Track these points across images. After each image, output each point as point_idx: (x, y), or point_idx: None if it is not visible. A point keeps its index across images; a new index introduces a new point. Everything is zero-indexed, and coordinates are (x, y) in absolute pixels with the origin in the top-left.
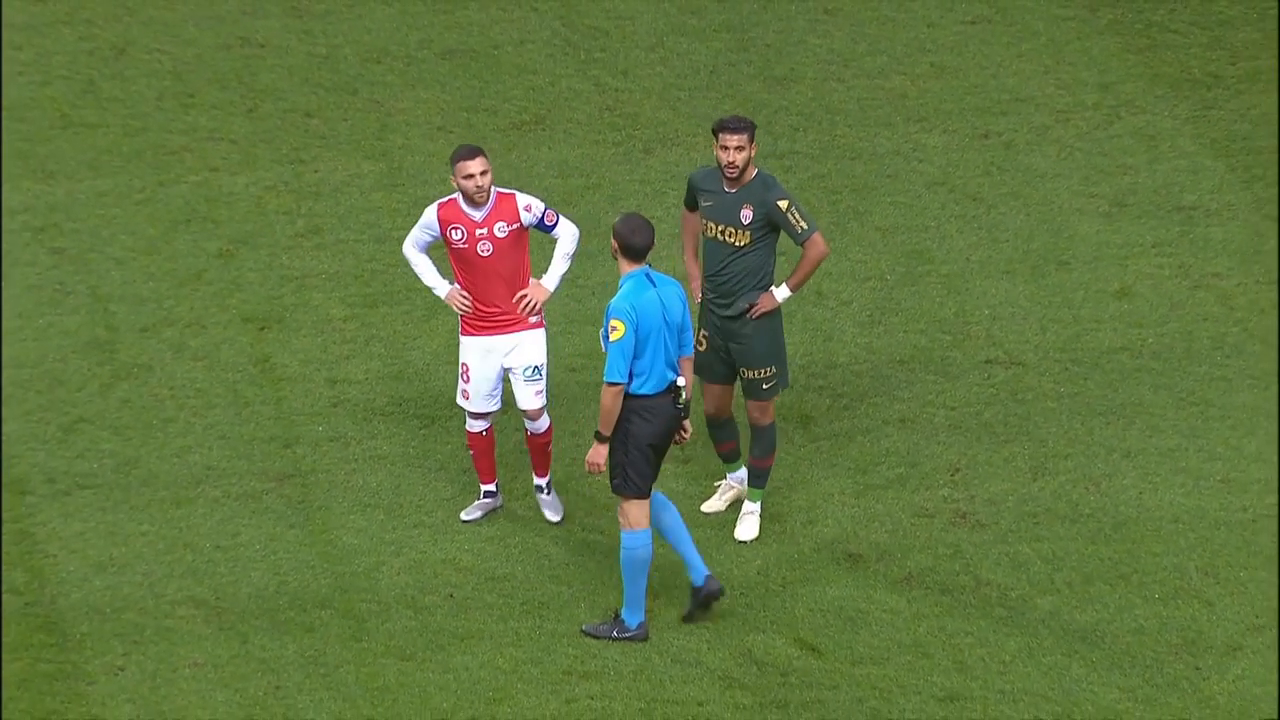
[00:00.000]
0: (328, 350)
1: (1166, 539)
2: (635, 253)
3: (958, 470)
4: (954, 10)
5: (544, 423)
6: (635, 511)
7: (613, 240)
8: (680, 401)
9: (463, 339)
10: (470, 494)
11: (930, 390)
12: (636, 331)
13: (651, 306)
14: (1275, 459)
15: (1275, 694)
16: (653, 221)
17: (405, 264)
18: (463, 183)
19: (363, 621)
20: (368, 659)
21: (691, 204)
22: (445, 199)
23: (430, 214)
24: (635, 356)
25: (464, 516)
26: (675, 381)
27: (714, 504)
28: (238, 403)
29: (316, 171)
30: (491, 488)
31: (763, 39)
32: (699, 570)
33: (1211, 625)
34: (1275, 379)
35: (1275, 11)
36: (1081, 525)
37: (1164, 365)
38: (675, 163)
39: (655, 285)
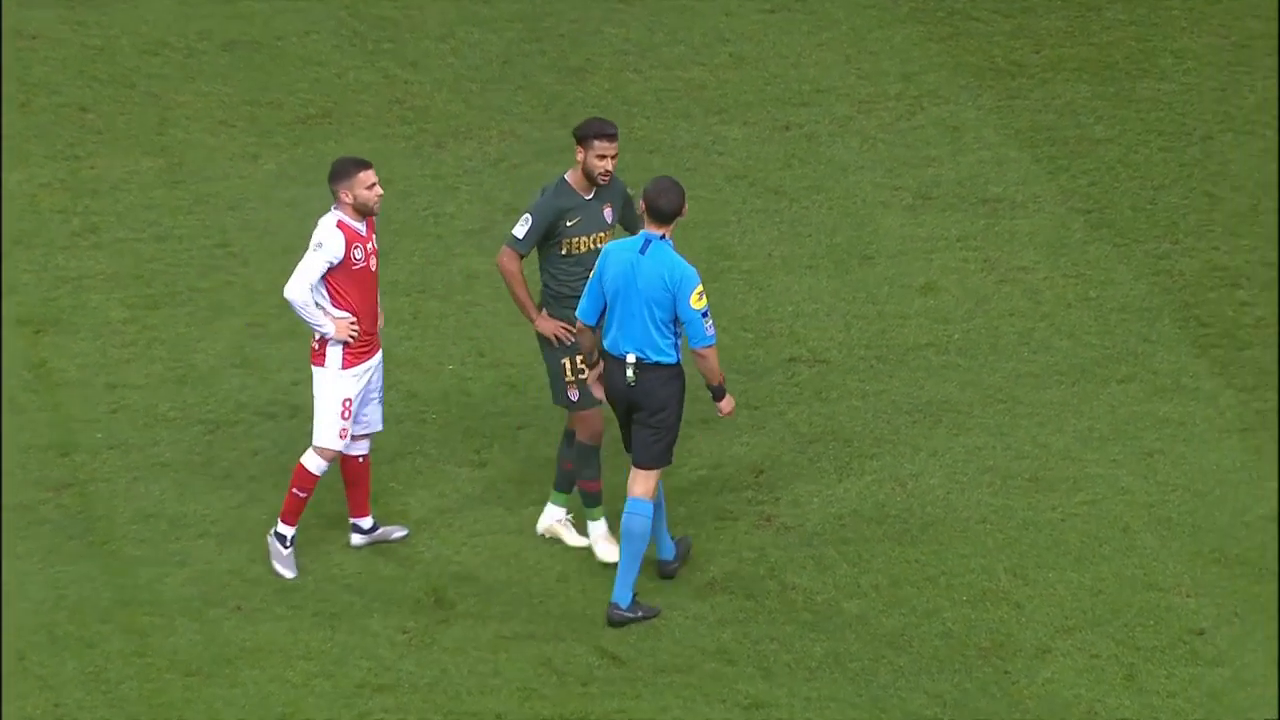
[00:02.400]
0: (107, 354)
1: (974, 540)
2: (661, 215)
3: (761, 472)
4: None
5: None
6: (655, 481)
7: (640, 202)
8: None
9: (343, 373)
10: (263, 511)
11: (732, 390)
12: (601, 280)
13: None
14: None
15: (1087, 696)
16: (447, 218)
17: (188, 263)
18: (364, 194)
19: (145, 636)
20: (151, 674)
21: (540, 240)
22: (333, 219)
23: (333, 239)
24: (609, 308)
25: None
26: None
27: (575, 538)
28: (12, 409)
29: (93, 168)
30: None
31: (557, 29)
32: (668, 545)
33: (1020, 628)
34: (1082, 373)
35: (1072, 1)
36: (888, 526)
37: (970, 362)
38: (468, 157)
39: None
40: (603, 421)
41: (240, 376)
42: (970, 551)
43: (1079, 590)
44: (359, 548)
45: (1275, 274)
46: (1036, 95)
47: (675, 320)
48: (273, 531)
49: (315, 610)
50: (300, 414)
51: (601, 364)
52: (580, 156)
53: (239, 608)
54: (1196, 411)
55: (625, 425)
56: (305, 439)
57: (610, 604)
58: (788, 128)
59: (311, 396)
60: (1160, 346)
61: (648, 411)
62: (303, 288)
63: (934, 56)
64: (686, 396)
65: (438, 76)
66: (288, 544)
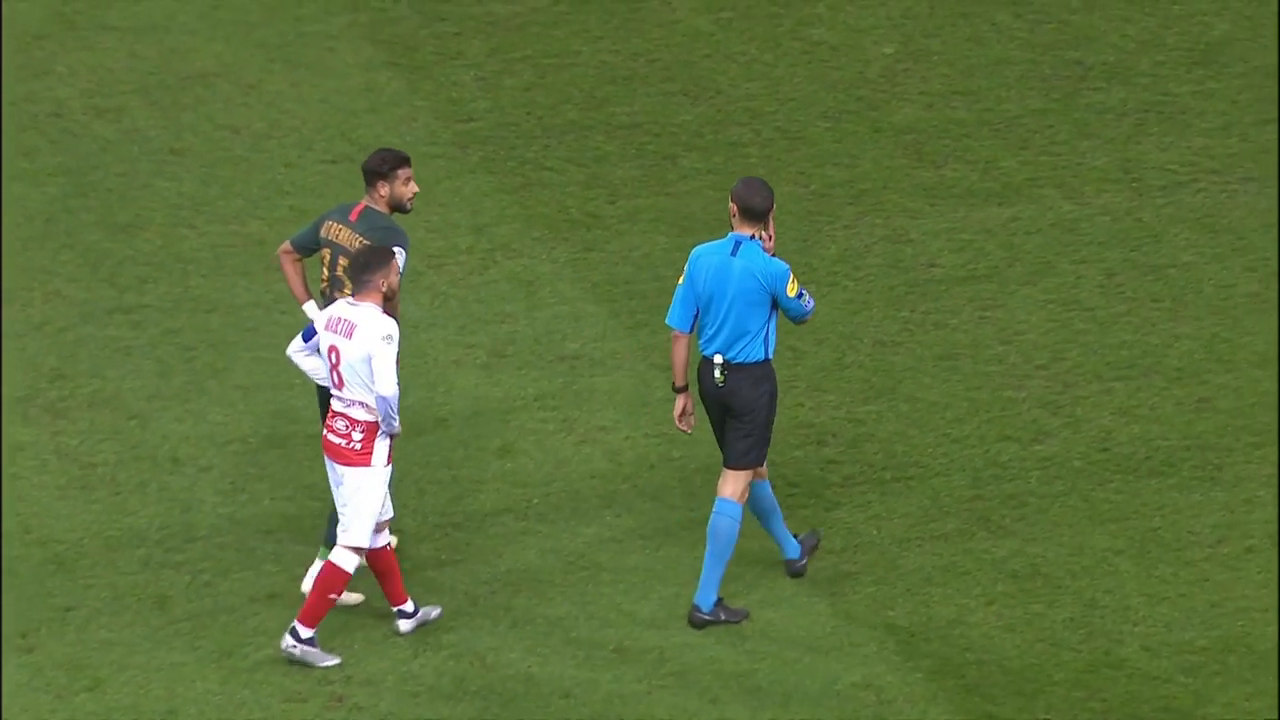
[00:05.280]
0: None
1: (558, 714)
2: (754, 215)
3: (332, 650)
4: (313, 149)
5: None
6: (745, 483)
7: (731, 204)
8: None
9: (387, 468)
10: None
11: (300, 562)
12: (693, 285)
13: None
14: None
15: None
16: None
17: None
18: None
19: None
20: None
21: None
22: (375, 308)
23: (396, 328)
24: (701, 311)
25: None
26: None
27: None
28: None
29: None
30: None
31: (104, 183)
32: (791, 544)
33: None
34: (667, 537)
35: (649, 150)
36: (467, 704)
37: (550, 527)
38: (11, 320)
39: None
40: None
41: None
42: None
43: None
44: (409, 633)
45: (859, 430)
46: (613, 247)
47: (766, 317)
48: (295, 641)
49: None
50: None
51: (686, 395)
52: (384, 191)
53: None
54: (784, 577)
55: (719, 426)
56: None
57: (693, 606)
58: None
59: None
60: (747, 510)
61: (738, 412)
62: (395, 380)
63: (506, 208)
64: (246, 572)
65: None
66: (314, 642)
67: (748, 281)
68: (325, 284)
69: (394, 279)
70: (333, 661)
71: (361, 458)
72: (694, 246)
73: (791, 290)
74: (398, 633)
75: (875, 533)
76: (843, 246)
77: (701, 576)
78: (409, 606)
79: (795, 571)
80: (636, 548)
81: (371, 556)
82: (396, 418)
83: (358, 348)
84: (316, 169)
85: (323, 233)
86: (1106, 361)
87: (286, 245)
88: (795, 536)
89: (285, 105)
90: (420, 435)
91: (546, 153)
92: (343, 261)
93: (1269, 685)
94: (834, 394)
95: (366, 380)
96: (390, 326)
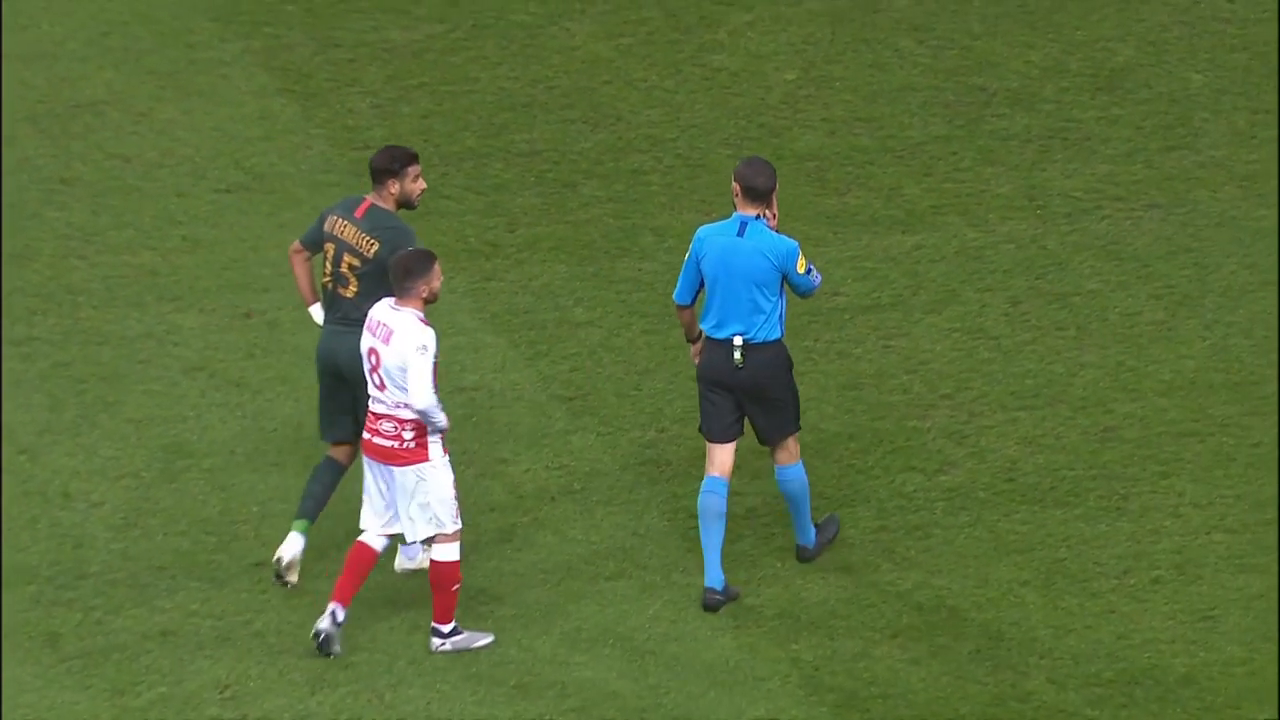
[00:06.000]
0: None
1: None
2: (757, 195)
3: (227, 687)
4: (206, 178)
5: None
6: (797, 445)
7: (734, 184)
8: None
9: (445, 457)
10: None
11: (195, 599)
12: (698, 264)
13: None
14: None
15: None
16: None
17: None
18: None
19: None
20: None
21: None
22: (414, 315)
23: (433, 338)
24: (708, 293)
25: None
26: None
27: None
28: None
29: None
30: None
31: None
32: (807, 532)
33: None
34: (568, 571)
35: (548, 178)
36: None
37: None
38: None
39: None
40: None
41: None
42: None
43: None
44: (327, 633)
45: (762, 462)
46: (512, 276)
47: (778, 296)
48: (441, 639)
49: None
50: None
51: (701, 341)
52: (394, 189)
53: None
54: (688, 609)
55: (731, 411)
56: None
57: (800, 546)
58: (249, 314)
59: None
60: (649, 540)
61: (760, 391)
62: (430, 391)
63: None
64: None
65: None
66: (460, 632)
67: (758, 261)
68: (328, 279)
69: (435, 284)
70: (487, 639)
71: (418, 455)
72: (590, 276)
73: (801, 267)
74: (323, 628)
75: (779, 565)
76: None
77: (796, 528)
78: (342, 615)
79: (805, 558)
80: (537, 581)
81: (361, 550)
82: (439, 417)
83: (394, 354)
84: (209, 198)
85: (326, 227)
86: (1011, 391)
87: (297, 244)
88: (815, 524)
89: (177, 133)
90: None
91: (444, 181)
92: (347, 259)
93: (1176, 717)
94: None
95: (404, 385)
96: (427, 337)
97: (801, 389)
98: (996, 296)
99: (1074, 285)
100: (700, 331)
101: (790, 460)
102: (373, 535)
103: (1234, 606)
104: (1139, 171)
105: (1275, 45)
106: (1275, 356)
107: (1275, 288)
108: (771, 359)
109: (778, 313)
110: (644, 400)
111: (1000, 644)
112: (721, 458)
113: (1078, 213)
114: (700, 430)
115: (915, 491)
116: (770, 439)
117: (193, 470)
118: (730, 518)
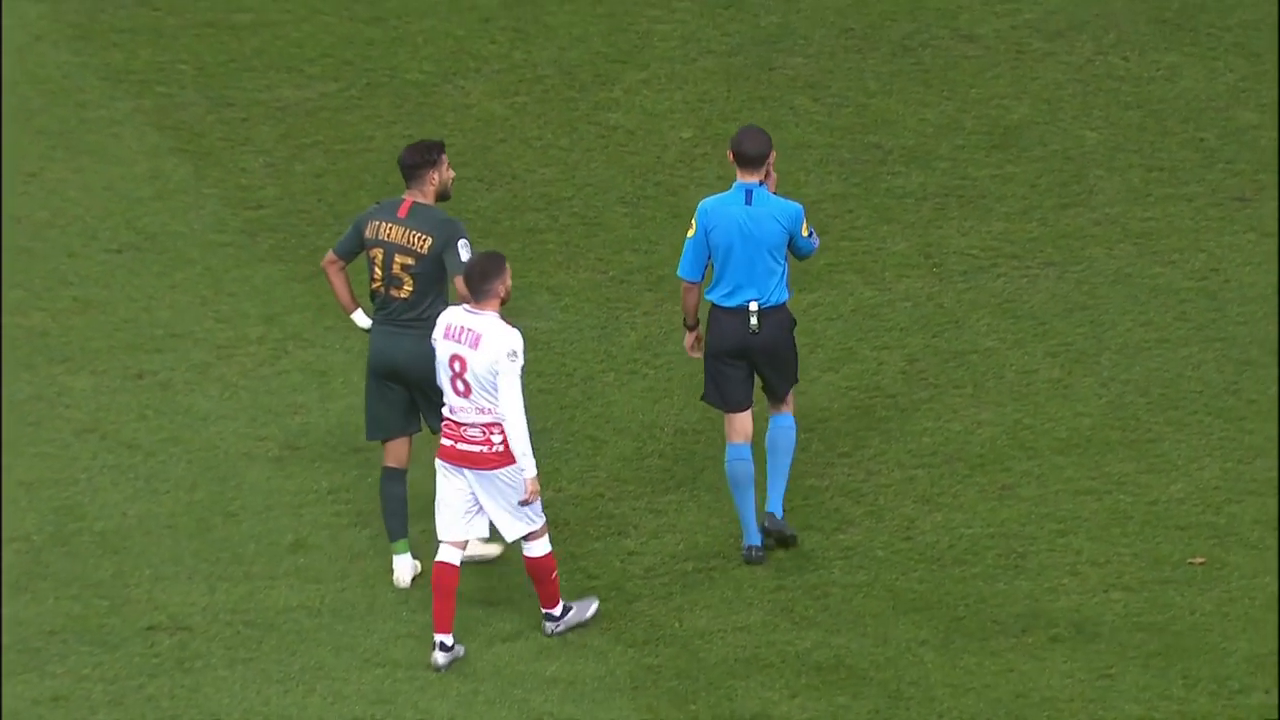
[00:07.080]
0: None
1: None
2: (751, 161)
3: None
4: (98, 238)
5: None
6: (792, 398)
7: (729, 153)
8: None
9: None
10: None
11: (86, 663)
12: (707, 236)
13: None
14: None
15: None
16: None
17: None
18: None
19: None
20: None
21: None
22: (496, 317)
23: (522, 343)
24: (718, 264)
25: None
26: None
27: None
28: None
29: None
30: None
31: None
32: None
33: None
34: (465, 632)
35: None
36: None
37: (346, 624)
38: None
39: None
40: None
41: None
42: None
43: None
44: (440, 667)
45: (660, 521)
46: None
47: (785, 258)
48: (554, 622)
49: None
50: None
51: (697, 331)
52: (434, 180)
53: None
54: (585, 669)
55: (735, 377)
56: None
57: (768, 514)
58: (140, 376)
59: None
60: None
61: (772, 354)
62: (520, 402)
63: (297, 297)
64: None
65: None
66: (569, 609)
67: (770, 225)
68: (379, 284)
69: (509, 283)
70: (594, 606)
71: (506, 458)
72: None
73: (805, 230)
74: (440, 662)
75: (677, 625)
76: (642, 334)
77: (769, 488)
78: (450, 641)
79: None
80: (492, 642)
81: (440, 572)
82: (525, 436)
83: (484, 358)
84: (101, 258)
85: (369, 234)
86: (909, 449)
87: (330, 255)
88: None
89: (68, 193)
90: (210, 532)
91: (338, 240)
92: (399, 259)
93: None
94: (634, 484)
95: (493, 390)
96: (516, 341)
97: (698, 448)
98: (893, 354)
99: (970, 343)
100: (697, 319)
101: (787, 409)
102: (448, 552)
103: (1132, 665)
104: (1034, 229)
105: (1168, 104)
106: (1172, 414)
107: (1170, 345)
108: (783, 320)
109: (786, 275)
110: (540, 461)
111: (899, 703)
112: (742, 424)
113: (974, 270)
114: (710, 402)
115: (813, 550)
116: (781, 395)
117: (84, 533)
118: (626, 577)
